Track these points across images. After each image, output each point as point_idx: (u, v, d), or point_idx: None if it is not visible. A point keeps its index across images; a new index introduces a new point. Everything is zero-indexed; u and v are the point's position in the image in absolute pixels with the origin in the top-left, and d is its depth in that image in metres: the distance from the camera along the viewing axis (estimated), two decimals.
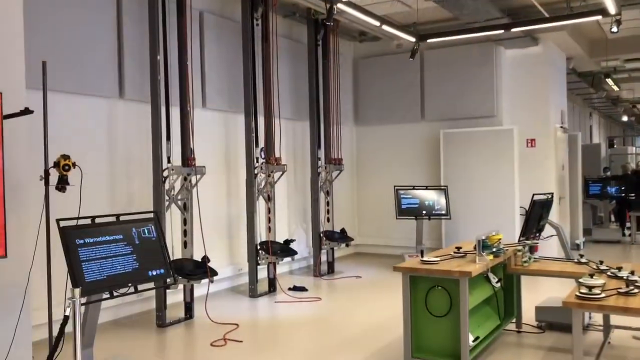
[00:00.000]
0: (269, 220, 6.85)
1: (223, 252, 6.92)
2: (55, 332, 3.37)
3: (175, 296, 5.92)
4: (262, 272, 6.88)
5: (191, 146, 5.72)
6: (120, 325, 5.44)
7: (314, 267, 7.72)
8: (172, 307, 5.86)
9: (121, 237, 3.53)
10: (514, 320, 4.99)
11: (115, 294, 3.42)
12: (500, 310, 4.67)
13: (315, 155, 7.73)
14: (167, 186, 5.48)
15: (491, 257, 4.13)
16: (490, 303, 4.60)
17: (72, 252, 3.22)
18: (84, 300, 3.09)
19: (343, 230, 8.02)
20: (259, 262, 6.58)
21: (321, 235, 7.71)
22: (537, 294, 5.79)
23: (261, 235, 6.76)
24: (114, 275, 3.41)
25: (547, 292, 5.83)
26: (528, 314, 5.18)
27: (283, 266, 7.80)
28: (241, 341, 4.90)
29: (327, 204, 7.94)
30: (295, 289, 6.87)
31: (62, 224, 3.25)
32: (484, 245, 4.08)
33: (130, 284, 3.48)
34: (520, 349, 4.61)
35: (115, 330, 5.30)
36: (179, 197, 5.66)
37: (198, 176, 5.68)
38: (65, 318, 3.00)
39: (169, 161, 5.52)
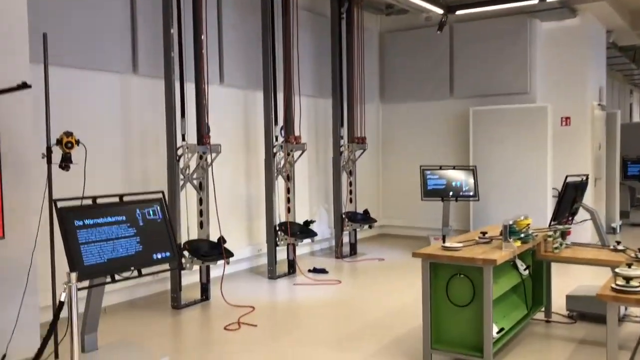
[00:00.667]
0: (288, 200, 6.65)
1: (242, 232, 6.76)
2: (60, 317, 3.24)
3: (192, 277, 5.80)
4: (282, 254, 6.71)
5: (207, 123, 5.53)
6: (135, 307, 5.34)
7: (336, 249, 7.52)
8: (189, 288, 5.74)
9: (124, 218, 3.37)
10: (543, 309, 4.71)
11: (117, 278, 3.27)
12: (528, 299, 4.39)
13: (337, 134, 7.47)
14: (181, 165, 5.31)
15: (519, 243, 3.84)
16: (517, 291, 4.32)
17: (70, 234, 3.07)
18: (80, 285, 2.93)
19: (366, 211, 7.77)
20: (278, 243, 6.40)
21: (343, 216, 7.49)
22: (567, 281, 5.48)
23: (280, 216, 6.57)
24: (115, 259, 3.25)
25: (578, 279, 5.51)
26: (558, 303, 4.88)
27: (304, 247, 7.62)
28: (255, 325, 4.74)
29: (350, 184, 7.69)
30: (315, 270, 6.69)
31: (63, 204, 3.10)
32: (511, 231, 3.79)
33: (133, 268, 3.32)
34: (549, 340, 4.33)
35: (130, 311, 5.20)
36: (194, 176, 5.49)
37: (214, 155, 5.49)
38: (60, 304, 2.85)
39: (183, 139, 5.34)
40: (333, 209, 7.62)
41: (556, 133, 8.16)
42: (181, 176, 5.33)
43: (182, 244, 5.24)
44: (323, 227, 7.96)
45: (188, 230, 5.46)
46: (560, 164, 8.10)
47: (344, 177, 7.60)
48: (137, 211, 3.44)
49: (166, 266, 3.66)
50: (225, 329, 4.67)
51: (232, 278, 6.34)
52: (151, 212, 3.50)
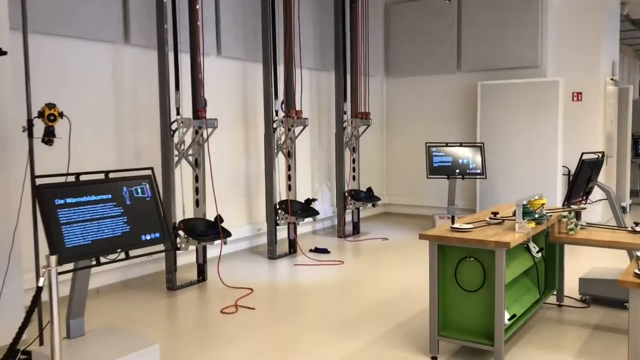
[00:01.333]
0: (289, 177, 6.41)
1: (241, 211, 6.54)
2: (43, 300, 3.03)
3: (188, 257, 5.59)
4: (283, 233, 6.50)
5: (203, 97, 5.26)
6: (129, 287, 5.15)
7: (338, 228, 7.30)
8: (186, 269, 5.55)
9: (110, 196, 3.13)
10: (554, 293, 4.49)
11: (103, 260, 3.04)
12: (541, 283, 4.16)
13: (340, 109, 7.19)
14: (176, 140, 5.06)
15: (533, 224, 3.60)
16: (529, 275, 4.10)
17: (50, 214, 2.84)
18: (63, 268, 2.71)
19: (369, 190, 7.54)
20: (278, 222, 6.18)
21: (346, 194, 7.25)
22: (579, 263, 5.26)
23: (281, 194, 6.34)
24: (100, 240, 3.03)
25: (591, 261, 5.29)
26: (570, 286, 4.67)
27: (306, 226, 7.40)
28: (253, 308, 4.54)
29: (353, 161, 7.44)
30: (316, 250, 6.48)
31: (43, 181, 2.87)
32: (525, 211, 3.55)
33: (120, 250, 3.10)
34: (561, 325, 4.12)
35: (123, 292, 5.00)
36: (190, 152, 5.24)
37: (210, 130, 5.23)
38: (38, 290, 2.63)
39: (178, 113, 5.08)
40: (335, 186, 7.38)
41: (567, 109, 7.87)
42: (176, 152, 5.08)
43: (177, 223, 5.02)
44: (325, 206, 7.73)
45: (184, 209, 5.23)
46: (571, 141, 7.83)
47: (347, 153, 7.34)
48: (124, 189, 3.21)
49: (158, 248, 3.44)
50: (221, 312, 4.47)
51: (230, 258, 6.14)
52: (139, 190, 3.27)
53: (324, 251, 6.46)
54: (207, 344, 3.84)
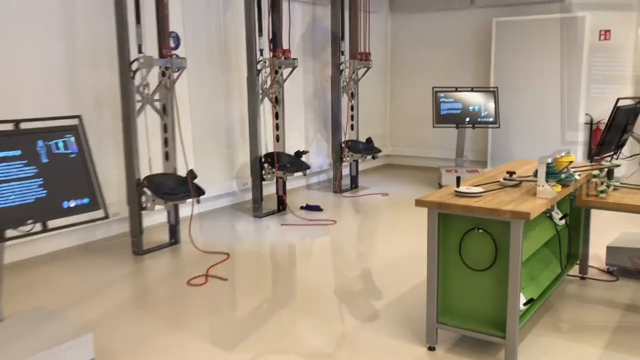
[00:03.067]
0: (277, 127, 5.69)
1: (223, 164, 5.87)
2: None
3: (163, 215, 4.95)
4: (272, 188, 5.84)
5: (171, 32, 4.52)
6: (90, 252, 4.55)
7: (334, 183, 6.62)
8: (159, 229, 4.94)
9: (19, 153, 2.46)
10: (578, 263, 3.83)
11: (10, 235, 2.40)
12: (563, 254, 3.49)
13: (337, 49, 6.37)
14: (137, 82, 4.34)
15: (559, 188, 2.89)
16: (550, 246, 3.41)
17: None
18: None
19: (369, 140, 6.80)
20: (264, 177, 5.51)
21: (343, 145, 6.53)
22: (607, 228, 4.56)
23: (267, 146, 5.64)
24: (5, 209, 2.37)
25: (620, 226, 4.59)
26: (595, 253, 4.00)
27: (299, 181, 6.74)
28: (226, 279, 3.93)
29: (352, 108, 6.68)
30: (308, 208, 5.83)
31: None
32: (549, 172, 2.83)
33: (31, 221, 2.44)
34: (585, 304, 3.47)
35: (82, 258, 4.41)
36: (156, 97, 4.52)
37: (178, 71, 4.50)
38: None
39: (140, 51, 4.33)
40: (331, 137, 6.65)
41: (592, 49, 6.99)
42: (138, 97, 4.37)
43: (141, 179, 4.37)
44: (321, 158, 7.04)
45: (150, 163, 4.56)
46: (596, 85, 7.00)
47: (345, 100, 6.57)
48: (40, 143, 2.53)
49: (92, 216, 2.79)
50: (188, 283, 3.86)
51: (211, 216, 5.52)
52: (60, 145, 2.59)
53: (316, 209, 5.81)
54: (157, 326, 3.22)
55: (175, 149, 4.62)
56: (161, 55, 4.42)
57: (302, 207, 5.83)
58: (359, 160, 6.79)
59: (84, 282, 3.92)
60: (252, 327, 3.19)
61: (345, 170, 6.77)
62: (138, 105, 4.37)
